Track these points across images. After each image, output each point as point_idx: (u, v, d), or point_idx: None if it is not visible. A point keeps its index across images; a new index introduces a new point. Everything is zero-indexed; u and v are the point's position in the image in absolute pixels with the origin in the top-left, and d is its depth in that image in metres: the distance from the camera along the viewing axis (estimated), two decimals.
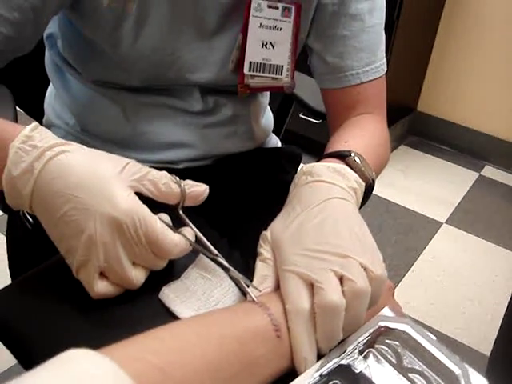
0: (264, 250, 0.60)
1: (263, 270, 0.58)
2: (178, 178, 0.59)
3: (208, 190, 0.60)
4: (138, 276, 0.56)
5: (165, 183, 0.57)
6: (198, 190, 0.60)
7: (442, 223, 2.24)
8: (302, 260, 0.54)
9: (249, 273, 0.59)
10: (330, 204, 0.59)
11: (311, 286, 0.52)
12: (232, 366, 0.46)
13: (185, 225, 0.60)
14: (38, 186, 0.53)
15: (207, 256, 0.60)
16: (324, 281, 0.51)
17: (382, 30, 0.83)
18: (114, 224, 0.52)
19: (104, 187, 0.53)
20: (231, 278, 0.60)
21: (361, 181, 0.65)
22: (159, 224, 0.54)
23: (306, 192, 0.62)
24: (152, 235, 0.53)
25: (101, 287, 0.55)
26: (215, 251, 0.60)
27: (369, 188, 0.68)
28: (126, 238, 0.53)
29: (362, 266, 0.53)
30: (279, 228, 0.60)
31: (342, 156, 0.68)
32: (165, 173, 0.58)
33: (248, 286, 0.56)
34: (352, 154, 0.68)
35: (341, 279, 0.52)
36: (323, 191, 0.61)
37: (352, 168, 0.66)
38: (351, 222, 0.58)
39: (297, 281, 0.52)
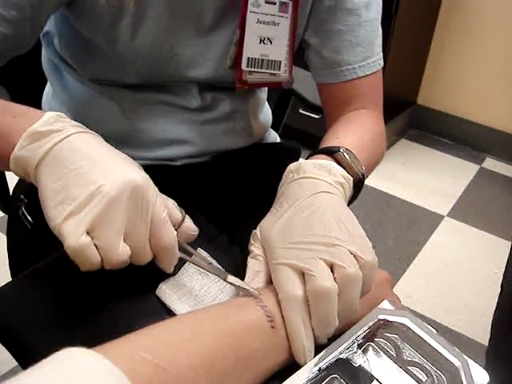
0: (254, 248, 0.60)
1: (255, 266, 0.59)
2: (181, 209, 0.59)
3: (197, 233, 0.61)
4: (124, 250, 0.52)
5: (171, 204, 0.58)
6: (194, 225, 0.60)
7: (443, 216, 2.24)
8: (291, 252, 0.54)
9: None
10: (317, 198, 0.60)
11: (302, 275, 0.52)
12: (227, 359, 0.47)
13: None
14: (61, 144, 0.53)
15: (202, 267, 0.59)
16: (315, 268, 0.52)
17: (378, 24, 0.83)
18: (130, 184, 0.51)
19: (127, 161, 0.55)
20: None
21: (348, 175, 0.66)
22: (166, 213, 0.55)
23: (293, 188, 0.63)
24: (158, 216, 0.53)
25: (84, 240, 0.50)
26: (207, 260, 0.60)
27: (358, 183, 0.69)
28: (135, 204, 0.51)
29: (351, 253, 0.53)
30: (268, 225, 0.60)
31: (331, 152, 0.69)
32: (171, 199, 0.59)
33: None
34: (341, 150, 0.68)
35: (331, 267, 0.52)
36: (309, 186, 0.61)
37: (340, 163, 0.67)
38: (338, 212, 0.58)
39: (288, 271, 0.53)
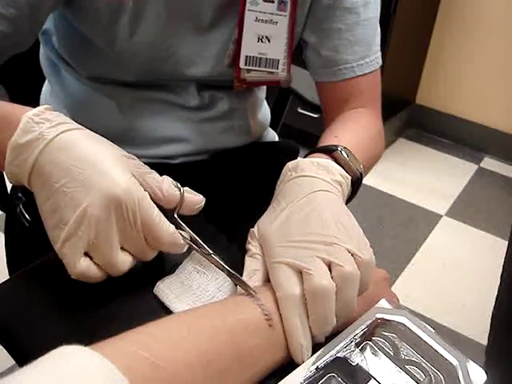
0: (252, 246, 0.60)
1: (252, 264, 0.59)
2: (178, 184, 0.58)
3: (204, 202, 0.60)
4: (124, 261, 0.54)
5: (167, 185, 0.57)
6: (196, 198, 0.59)
7: (441, 216, 2.24)
8: (288, 251, 0.54)
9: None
10: (315, 197, 0.60)
11: (300, 274, 0.52)
12: (224, 358, 0.47)
13: (180, 228, 0.59)
14: (43, 156, 0.52)
15: (202, 255, 0.60)
16: (312, 267, 0.52)
17: (376, 23, 0.83)
18: (112, 200, 0.51)
19: (108, 165, 0.53)
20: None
21: (346, 174, 0.66)
22: (156, 212, 0.54)
23: (291, 187, 0.63)
24: (148, 219, 0.53)
25: (83, 264, 0.52)
26: (210, 251, 0.59)
27: (357, 181, 0.69)
28: (121, 217, 0.52)
29: (349, 252, 0.53)
30: (265, 223, 0.60)
31: (329, 151, 0.69)
32: (166, 176, 0.58)
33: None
34: (339, 149, 0.68)
35: (329, 266, 0.52)
36: (307, 185, 0.61)
37: (338, 162, 0.67)
38: (336, 211, 0.58)
39: (285, 269, 0.53)
